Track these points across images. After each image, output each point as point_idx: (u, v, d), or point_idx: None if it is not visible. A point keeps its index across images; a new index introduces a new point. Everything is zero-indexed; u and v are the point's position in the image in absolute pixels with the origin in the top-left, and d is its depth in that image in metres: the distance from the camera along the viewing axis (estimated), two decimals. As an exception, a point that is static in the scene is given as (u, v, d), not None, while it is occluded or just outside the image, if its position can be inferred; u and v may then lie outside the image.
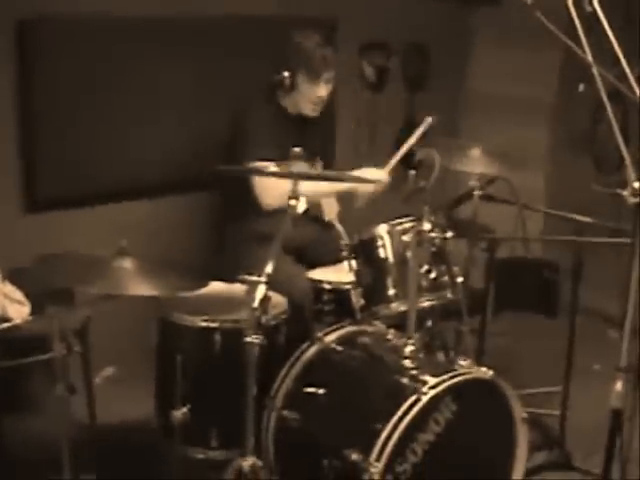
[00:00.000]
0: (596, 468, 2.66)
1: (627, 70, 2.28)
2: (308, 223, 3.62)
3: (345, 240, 3.05)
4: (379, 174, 3.55)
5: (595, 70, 2.25)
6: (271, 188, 3.35)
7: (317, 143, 3.64)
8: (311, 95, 3.53)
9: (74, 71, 3.67)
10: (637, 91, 2.30)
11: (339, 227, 3.39)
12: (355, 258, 3.01)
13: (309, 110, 3.59)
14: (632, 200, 2.30)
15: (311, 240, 3.67)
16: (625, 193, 2.31)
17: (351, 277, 3.03)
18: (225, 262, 3.60)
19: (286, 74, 3.51)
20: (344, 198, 3.74)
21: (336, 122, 3.89)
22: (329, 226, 3.74)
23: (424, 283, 2.90)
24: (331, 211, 3.80)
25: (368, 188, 3.56)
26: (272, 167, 3.03)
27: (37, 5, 3.50)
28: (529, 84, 4.95)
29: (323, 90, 3.53)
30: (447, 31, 5.06)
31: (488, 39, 5.19)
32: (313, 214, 3.68)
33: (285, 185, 2.75)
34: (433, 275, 2.92)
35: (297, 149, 2.75)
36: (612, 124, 2.30)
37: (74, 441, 2.61)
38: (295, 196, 2.69)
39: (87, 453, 2.84)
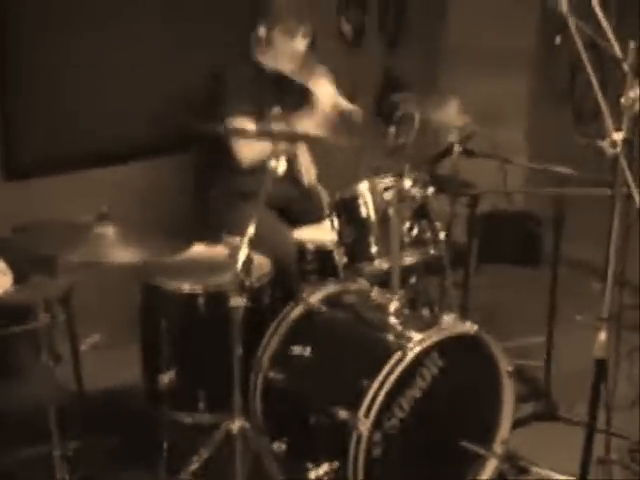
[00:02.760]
0: (579, 417, 2.68)
1: (603, 22, 2.27)
2: (288, 185, 3.59)
3: (326, 201, 3.05)
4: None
5: (571, 22, 2.23)
6: (249, 144, 3.33)
7: (295, 100, 3.61)
8: (288, 50, 3.50)
9: (48, 31, 3.60)
10: (613, 42, 2.28)
11: (320, 189, 3.39)
12: (337, 216, 3.00)
13: (287, 66, 3.55)
14: (611, 151, 2.30)
15: (292, 201, 3.65)
16: (604, 144, 2.31)
17: (334, 236, 3.03)
18: (209, 222, 3.58)
19: (262, 30, 3.48)
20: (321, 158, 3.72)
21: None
22: (309, 189, 3.73)
23: (407, 240, 2.90)
24: (309, 174, 3.77)
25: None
26: (251, 124, 2.99)
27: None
28: (508, 36, 4.92)
29: (300, 44, 3.49)
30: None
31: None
32: (292, 178, 3.66)
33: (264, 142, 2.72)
34: (415, 232, 2.92)
35: (277, 109, 2.73)
36: (590, 75, 2.29)
37: (61, 408, 2.62)
38: (275, 156, 2.67)
39: (74, 420, 2.85)
